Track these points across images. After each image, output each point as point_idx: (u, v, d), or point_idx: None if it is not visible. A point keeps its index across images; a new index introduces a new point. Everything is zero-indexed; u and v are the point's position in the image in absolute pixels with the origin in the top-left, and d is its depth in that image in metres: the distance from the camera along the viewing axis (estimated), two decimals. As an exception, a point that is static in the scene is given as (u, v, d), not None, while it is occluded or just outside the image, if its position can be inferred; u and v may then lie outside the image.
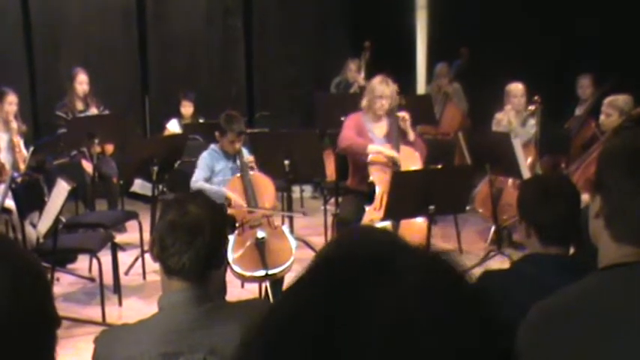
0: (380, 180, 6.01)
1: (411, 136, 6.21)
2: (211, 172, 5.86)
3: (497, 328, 0.78)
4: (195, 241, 2.24)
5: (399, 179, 5.48)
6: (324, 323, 0.72)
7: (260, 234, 5.37)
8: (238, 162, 5.83)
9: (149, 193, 7.08)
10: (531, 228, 2.67)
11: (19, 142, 7.12)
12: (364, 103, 6.29)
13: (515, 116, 7.43)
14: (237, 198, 5.58)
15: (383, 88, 6.15)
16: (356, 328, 0.71)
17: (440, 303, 0.74)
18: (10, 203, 5.91)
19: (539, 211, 2.66)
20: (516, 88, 7.51)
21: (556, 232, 2.63)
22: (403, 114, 6.18)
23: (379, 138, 6.23)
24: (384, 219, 5.52)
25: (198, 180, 5.78)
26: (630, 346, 1.58)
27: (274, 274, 5.24)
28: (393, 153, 6.09)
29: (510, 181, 7.06)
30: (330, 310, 0.73)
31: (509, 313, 1.84)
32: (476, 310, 0.77)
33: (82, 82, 8.03)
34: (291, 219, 6.64)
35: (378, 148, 6.10)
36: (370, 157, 6.08)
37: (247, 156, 5.94)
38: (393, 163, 6.05)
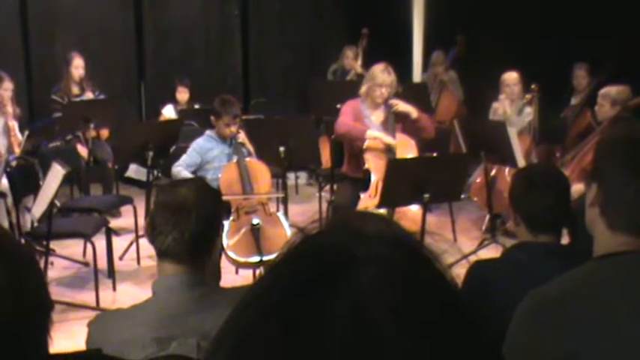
0: (376, 167, 5.99)
1: (414, 113, 6.10)
2: (201, 160, 5.84)
3: (469, 320, 0.70)
4: (179, 222, 2.25)
5: (395, 167, 5.46)
6: (279, 329, 0.66)
7: (255, 220, 5.38)
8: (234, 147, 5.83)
9: (144, 178, 7.07)
10: (519, 217, 2.71)
11: (14, 125, 7.09)
12: (363, 89, 6.23)
13: (511, 105, 7.42)
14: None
15: (384, 77, 6.09)
16: (312, 329, 0.65)
17: (401, 297, 0.66)
18: (4, 186, 5.90)
19: (525, 200, 2.71)
20: (510, 76, 7.50)
21: (543, 221, 2.66)
22: (392, 101, 6.12)
23: (376, 125, 6.18)
24: (378, 206, 5.52)
25: (179, 165, 5.81)
26: (624, 334, 1.59)
27: (269, 261, 5.25)
28: (390, 140, 6.06)
29: (506, 169, 7.05)
30: (284, 314, 0.67)
31: (501, 301, 1.85)
32: (443, 304, 0.69)
33: (77, 66, 8.02)
34: (285, 205, 6.64)
35: (376, 134, 6.05)
36: (366, 144, 6.05)
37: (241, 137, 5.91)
38: (388, 151, 6.03)
